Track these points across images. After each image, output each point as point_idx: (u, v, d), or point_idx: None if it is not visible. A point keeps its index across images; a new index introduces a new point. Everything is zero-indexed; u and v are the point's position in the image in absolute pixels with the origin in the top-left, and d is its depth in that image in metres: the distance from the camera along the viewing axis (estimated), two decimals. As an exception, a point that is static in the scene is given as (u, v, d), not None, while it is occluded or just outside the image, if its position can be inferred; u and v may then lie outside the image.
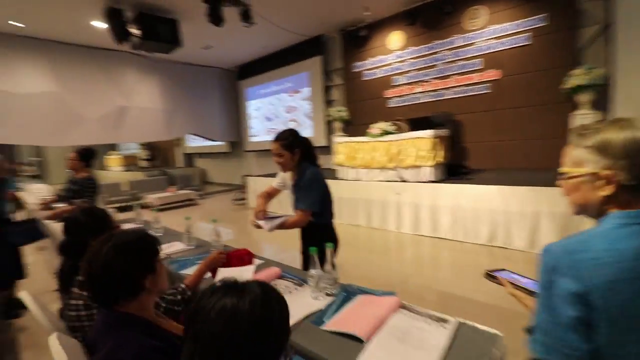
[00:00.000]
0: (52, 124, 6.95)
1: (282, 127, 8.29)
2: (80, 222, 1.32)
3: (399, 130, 4.79)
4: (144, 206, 7.58)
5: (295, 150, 1.86)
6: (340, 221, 5.15)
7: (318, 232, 1.88)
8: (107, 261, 0.84)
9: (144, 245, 0.92)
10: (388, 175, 4.80)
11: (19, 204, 2.85)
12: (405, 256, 4.06)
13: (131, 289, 0.87)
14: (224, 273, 1.31)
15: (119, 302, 0.87)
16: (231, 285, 0.63)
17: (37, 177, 12.17)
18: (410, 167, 4.52)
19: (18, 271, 2.75)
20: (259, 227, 1.80)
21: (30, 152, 13.81)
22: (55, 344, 0.82)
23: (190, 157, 12.60)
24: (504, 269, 1.00)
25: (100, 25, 5.86)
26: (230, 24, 5.45)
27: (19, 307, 2.54)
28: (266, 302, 0.61)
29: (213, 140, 9.73)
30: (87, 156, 2.98)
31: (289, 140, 1.86)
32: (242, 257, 1.56)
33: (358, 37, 6.46)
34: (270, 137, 9.58)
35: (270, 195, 2.07)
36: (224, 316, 0.57)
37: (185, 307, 1.30)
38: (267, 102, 8.72)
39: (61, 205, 3.01)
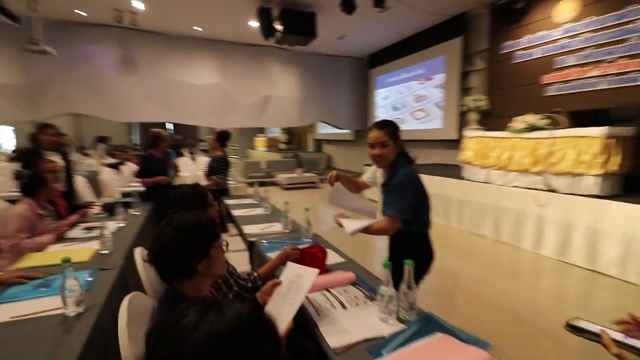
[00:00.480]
0: (217, 109, 8.55)
1: (409, 117, 7.87)
2: (184, 196, 1.51)
3: (554, 125, 3.77)
4: (275, 183, 8.59)
5: (398, 141, 1.62)
6: (460, 226, 4.53)
7: (409, 243, 1.63)
8: (166, 241, 0.90)
9: (201, 231, 0.95)
10: (530, 181, 3.88)
11: (177, 171, 3.59)
12: (541, 285, 3.24)
13: (184, 270, 0.91)
14: (289, 269, 1.27)
15: (175, 280, 0.92)
16: (207, 305, 0.52)
17: (208, 151, 15.33)
18: (565, 173, 3.51)
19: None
20: (341, 225, 1.67)
21: (206, 131, 17.39)
22: (124, 304, 0.94)
23: (319, 143, 13.47)
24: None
25: (255, 24, 6.72)
26: (365, 11, 5.37)
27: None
28: (229, 337, 0.48)
29: (339, 128, 10.06)
30: (223, 138, 3.49)
31: (395, 128, 1.63)
32: (315, 255, 1.49)
33: (512, 11, 5.35)
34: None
35: (358, 186, 1.92)
36: (172, 338, 0.48)
37: (254, 295, 1.33)
38: (395, 91, 8.36)
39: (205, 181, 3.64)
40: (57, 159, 3.39)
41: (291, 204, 2.46)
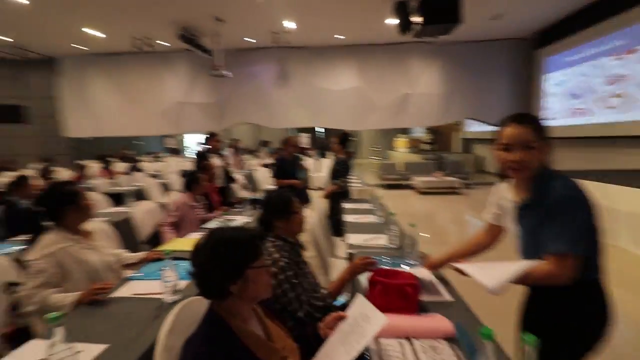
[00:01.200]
0: (355, 112, 8.79)
1: (598, 107, 6.02)
2: (270, 201, 1.49)
3: None
4: (411, 187, 8.08)
5: (547, 143, 1.10)
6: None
7: (570, 296, 1.06)
8: (201, 261, 0.84)
9: (238, 249, 0.85)
10: None
11: (306, 173, 3.79)
12: None
13: (216, 292, 0.84)
14: (358, 304, 1.03)
15: (211, 299, 0.86)
16: None
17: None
18: None
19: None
20: (463, 273, 1.16)
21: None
22: (173, 312, 0.95)
23: (468, 143, 11.93)
24: None
25: (392, 21, 6.49)
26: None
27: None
28: None
29: (492, 125, 8.57)
30: (344, 140, 3.45)
31: (542, 125, 1.10)
32: (402, 290, 1.17)
33: None
34: (577, 119, 7.17)
35: (485, 241, 1.37)
36: None
37: (324, 315, 1.17)
38: (576, 73, 6.42)
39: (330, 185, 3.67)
40: (217, 160, 4.16)
41: (423, 211, 2.11)
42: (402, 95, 8.50)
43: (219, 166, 4.10)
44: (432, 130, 14.08)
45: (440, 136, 14.01)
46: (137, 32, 7.37)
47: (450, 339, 1.04)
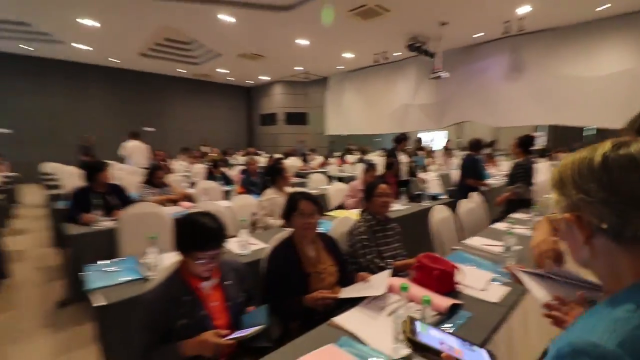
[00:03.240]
0: (619, 104, 6.55)
1: None
2: (366, 184, 2.01)
3: None
4: None
5: None
6: None
7: None
8: None
9: (290, 201, 1.55)
10: None
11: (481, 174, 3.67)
12: None
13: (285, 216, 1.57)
14: (378, 278, 1.45)
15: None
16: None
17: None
18: None
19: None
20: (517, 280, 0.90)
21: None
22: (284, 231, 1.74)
23: None
24: None
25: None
26: None
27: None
28: None
29: None
30: (525, 143, 3.05)
31: None
32: (428, 272, 1.42)
33: None
34: None
35: None
36: None
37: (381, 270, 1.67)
38: None
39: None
40: (404, 158, 4.73)
41: None
42: None
43: (404, 163, 4.67)
44: None
45: None
46: (377, 49, 8.93)
47: (442, 314, 1.24)
